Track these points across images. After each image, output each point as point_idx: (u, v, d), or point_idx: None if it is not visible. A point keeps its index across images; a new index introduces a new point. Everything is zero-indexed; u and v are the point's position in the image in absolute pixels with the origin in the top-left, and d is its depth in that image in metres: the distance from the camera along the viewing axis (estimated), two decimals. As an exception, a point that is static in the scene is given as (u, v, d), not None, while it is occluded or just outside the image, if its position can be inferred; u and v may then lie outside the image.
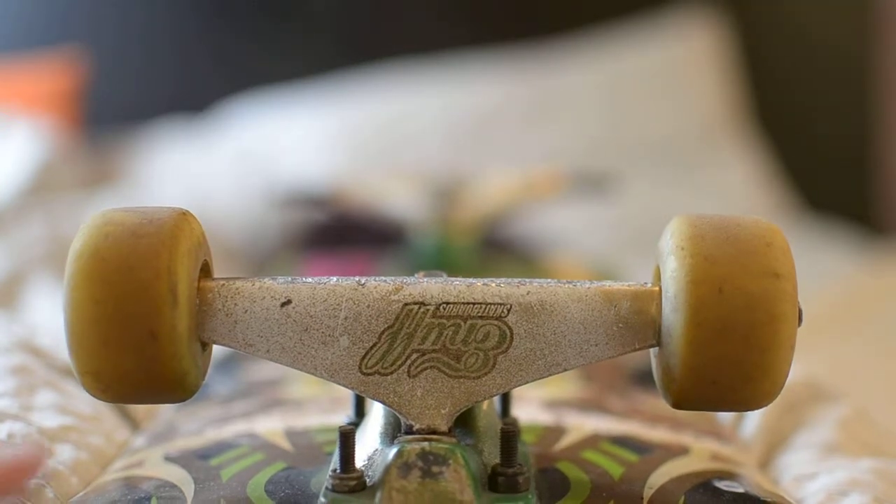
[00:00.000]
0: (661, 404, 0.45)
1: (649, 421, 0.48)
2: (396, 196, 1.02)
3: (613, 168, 1.30)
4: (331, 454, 0.41)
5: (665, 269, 0.35)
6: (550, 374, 0.36)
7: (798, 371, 0.47)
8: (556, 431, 0.45)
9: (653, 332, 0.36)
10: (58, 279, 0.92)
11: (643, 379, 0.55)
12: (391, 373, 0.35)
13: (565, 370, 0.36)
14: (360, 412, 0.42)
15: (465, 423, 0.37)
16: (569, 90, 1.55)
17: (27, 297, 0.92)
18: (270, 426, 0.46)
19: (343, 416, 0.44)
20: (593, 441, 0.44)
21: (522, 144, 1.52)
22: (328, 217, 1.31)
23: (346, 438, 0.34)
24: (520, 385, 0.35)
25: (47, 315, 0.85)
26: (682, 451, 0.44)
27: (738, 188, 1.53)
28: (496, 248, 1.08)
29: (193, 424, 0.49)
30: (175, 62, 1.68)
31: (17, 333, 0.59)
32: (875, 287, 1.26)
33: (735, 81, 1.64)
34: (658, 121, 1.58)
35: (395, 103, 1.55)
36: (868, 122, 1.71)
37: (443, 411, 0.35)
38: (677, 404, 0.36)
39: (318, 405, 0.50)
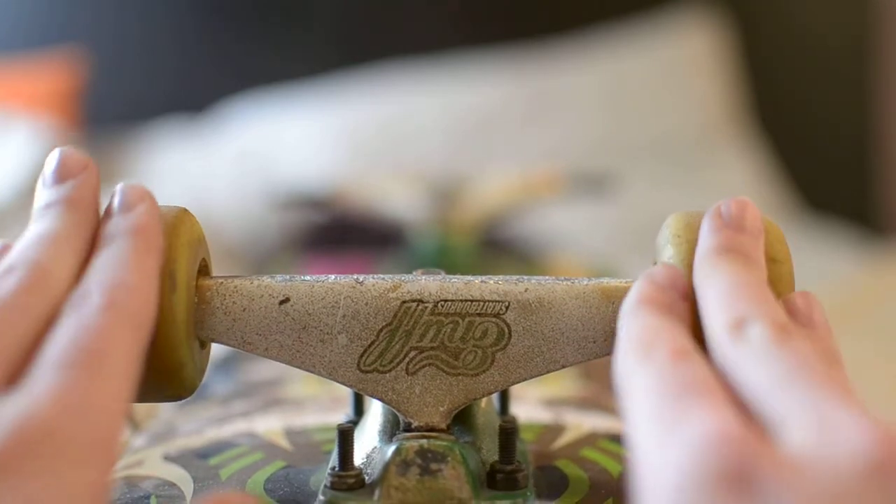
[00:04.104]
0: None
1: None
2: (396, 197, 1.02)
3: (613, 168, 1.30)
4: (330, 453, 0.41)
5: (662, 260, 0.35)
6: (549, 371, 0.35)
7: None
8: (555, 430, 0.45)
9: None
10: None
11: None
12: (389, 370, 0.35)
13: (563, 367, 0.36)
14: (358, 410, 0.42)
15: (463, 420, 0.37)
16: (569, 90, 1.55)
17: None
18: (270, 425, 0.46)
19: (342, 415, 0.44)
20: (592, 439, 0.44)
21: (522, 144, 1.52)
22: (328, 218, 1.31)
23: (345, 436, 0.34)
24: (518, 382, 0.35)
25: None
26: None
27: (738, 188, 1.53)
28: (496, 248, 1.08)
29: (193, 424, 0.49)
30: (175, 62, 1.68)
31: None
32: (875, 287, 1.26)
33: (735, 81, 1.64)
34: (658, 121, 1.58)
35: (395, 103, 1.55)
36: (868, 122, 1.71)
37: (441, 409, 0.35)
38: (675, 402, 0.36)
39: (318, 404, 0.50)
